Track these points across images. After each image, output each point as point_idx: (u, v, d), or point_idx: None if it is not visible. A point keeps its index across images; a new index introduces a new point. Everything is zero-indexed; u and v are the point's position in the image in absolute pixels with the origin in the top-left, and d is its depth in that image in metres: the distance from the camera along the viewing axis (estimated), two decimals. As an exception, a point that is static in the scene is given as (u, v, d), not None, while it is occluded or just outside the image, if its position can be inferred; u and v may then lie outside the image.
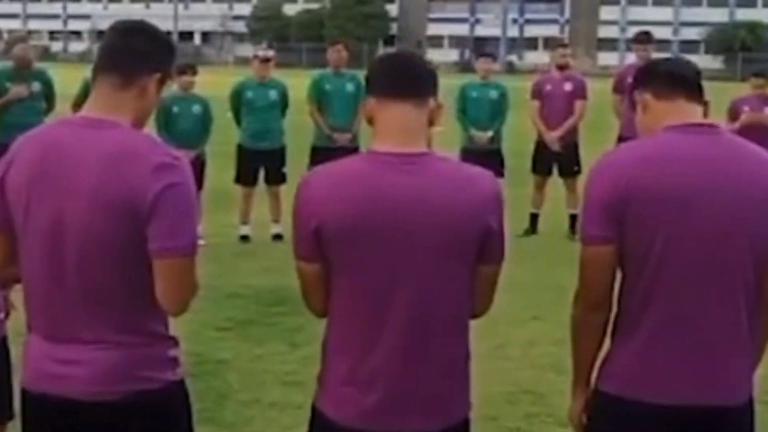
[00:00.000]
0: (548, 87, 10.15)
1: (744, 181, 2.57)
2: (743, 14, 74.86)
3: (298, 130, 10.88)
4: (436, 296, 2.44)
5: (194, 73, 9.26)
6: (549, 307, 7.02)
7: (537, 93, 10.19)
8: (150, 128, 2.76)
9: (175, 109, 9.08)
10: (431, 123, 2.54)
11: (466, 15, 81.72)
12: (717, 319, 2.58)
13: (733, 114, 9.61)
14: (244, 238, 9.39)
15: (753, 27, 72.79)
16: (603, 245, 2.59)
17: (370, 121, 2.54)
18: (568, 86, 10.07)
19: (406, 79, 2.51)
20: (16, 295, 2.85)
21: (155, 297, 2.50)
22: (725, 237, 2.55)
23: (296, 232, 2.51)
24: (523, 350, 6.30)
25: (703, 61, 69.78)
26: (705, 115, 2.72)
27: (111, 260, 2.46)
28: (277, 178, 9.62)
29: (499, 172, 10.31)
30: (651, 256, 2.56)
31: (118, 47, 2.56)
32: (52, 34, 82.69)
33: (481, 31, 79.09)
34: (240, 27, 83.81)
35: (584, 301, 2.67)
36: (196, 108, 9.23)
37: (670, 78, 2.71)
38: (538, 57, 62.38)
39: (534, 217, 10.13)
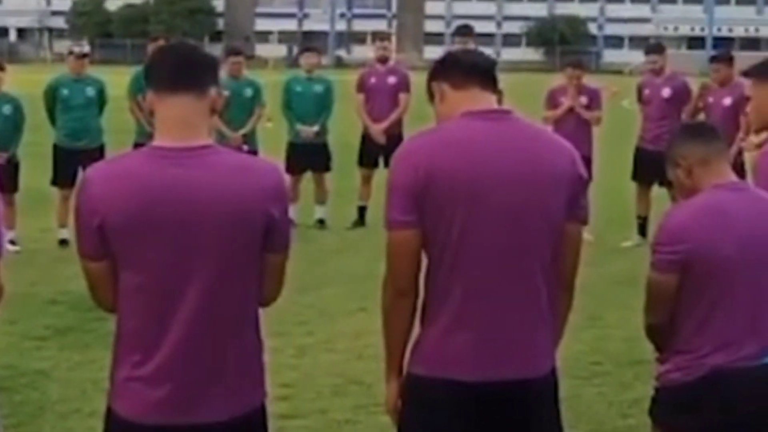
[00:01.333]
0: (372, 80, 10.23)
1: (538, 164, 2.67)
2: (562, 9, 77.89)
3: (120, 128, 10.57)
4: (225, 288, 2.44)
5: (1, 69, 8.81)
6: (376, 298, 7.05)
7: (361, 86, 10.25)
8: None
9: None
10: (213, 112, 2.53)
11: (294, 10, 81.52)
12: (517, 298, 2.67)
13: (550, 103, 9.96)
14: (63, 242, 9.02)
15: (571, 21, 75.86)
16: (406, 230, 2.65)
17: (152, 114, 2.52)
18: (392, 79, 10.17)
19: (184, 71, 2.48)
20: None
21: None
22: (521, 218, 2.65)
23: (79, 230, 2.48)
24: (351, 342, 6.32)
25: (524, 53, 72.47)
26: (499, 102, 2.82)
27: None
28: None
29: (326, 165, 10.36)
30: (451, 238, 2.63)
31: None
32: None
33: (309, 26, 79.07)
34: (60, 23, 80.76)
35: (392, 286, 2.72)
36: (6, 108, 8.79)
37: (465, 68, 2.79)
38: (366, 51, 62.99)
39: (362, 210, 10.19)
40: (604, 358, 6.04)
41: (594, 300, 7.33)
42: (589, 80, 10.28)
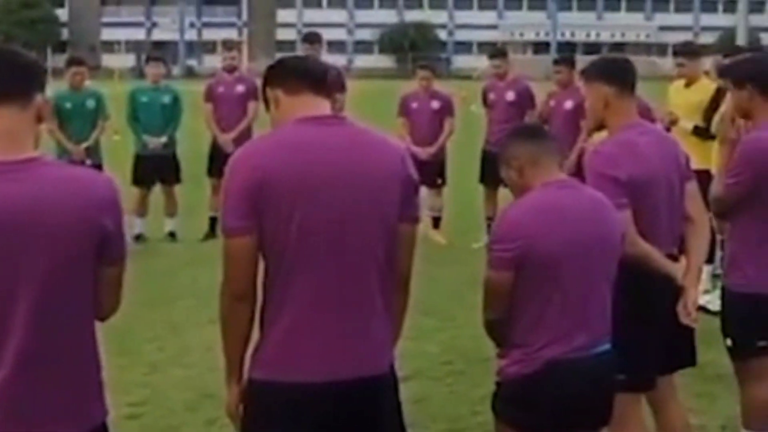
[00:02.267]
0: (220, 89, 10.11)
1: (370, 166, 2.72)
2: (412, 16, 79.10)
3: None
4: (60, 303, 2.35)
5: None
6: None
7: (209, 96, 10.11)
8: None
9: None
10: (40, 120, 2.44)
11: (142, 19, 79.94)
12: (354, 298, 2.71)
13: (403, 109, 10.06)
14: None
15: (421, 27, 77.14)
16: (243, 236, 2.65)
17: None
18: (240, 88, 10.06)
19: (6, 80, 2.37)
20: None
21: None
22: (355, 220, 2.69)
23: None
24: (203, 355, 6.21)
25: (377, 60, 73.26)
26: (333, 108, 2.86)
27: None
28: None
29: (176, 177, 10.16)
30: (288, 242, 2.65)
31: None
32: None
33: (158, 35, 77.68)
34: None
35: (229, 292, 2.71)
36: None
37: (298, 74, 2.82)
38: (217, 61, 62.20)
39: (213, 221, 10.03)
40: (455, 357, 6.14)
41: (447, 301, 7.46)
42: (441, 86, 10.46)
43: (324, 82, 2.83)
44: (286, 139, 2.72)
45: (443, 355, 6.22)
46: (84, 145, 9.45)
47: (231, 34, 70.61)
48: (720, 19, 73.91)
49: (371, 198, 2.71)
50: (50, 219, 2.31)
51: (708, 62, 8.43)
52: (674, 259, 3.80)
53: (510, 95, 9.66)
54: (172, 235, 10.03)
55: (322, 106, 2.79)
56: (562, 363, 3.12)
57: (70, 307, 2.38)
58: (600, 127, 3.89)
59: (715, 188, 4.11)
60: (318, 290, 2.67)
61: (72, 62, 9.92)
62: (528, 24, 78.82)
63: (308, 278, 2.66)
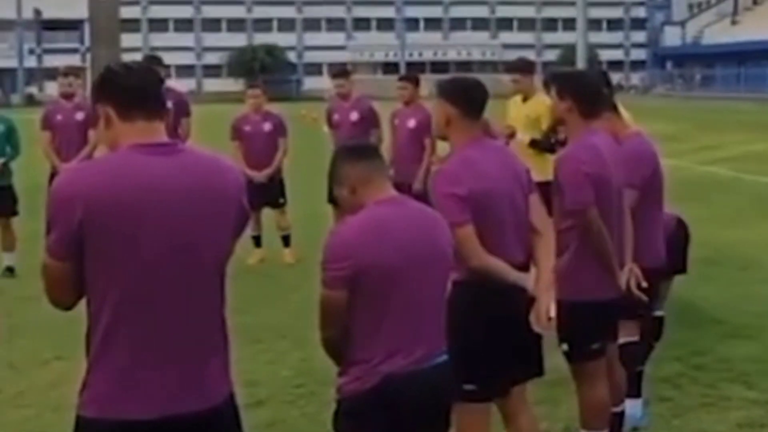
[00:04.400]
0: (59, 117, 9.78)
1: (202, 193, 2.66)
2: (261, 39, 78.87)
3: None
4: None
5: None
6: (73, 345, 6.71)
7: (46, 124, 9.77)
8: None
9: None
10: None
11: (-23, 46, 76.84)
12: (190, 330, 2.65)
13: (235, 133, 9.99)
14: None
15: (270, 50, 76.99)
16: (60, 262, 2.62)
17: None
18: (79, 115, 9.75)
19: None
20: None
21: None
22: (191, 251, 2.64)
23: None
24: (45, 394, 5.95)
25: (225, 84, 72.57)
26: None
27: None
28: None
29: (12, 210, 9.74)
30: (118, 276, 2.58)
31: None
32: None
33: (-4, 62, 74.84)
34: None
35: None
36: None
37: (131, 96, 2.71)
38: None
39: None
40: (307, 380, 6.09)
41: (300, 322, 7.40)
42: (292, 107, 10.43)
43: (158, 104, 2.74)
44: (117, 167, 2.62)
45: (296, 378, 6.17)
46: None
47: (74, 59, 68.60)
48: (561, 36, 76.71)
49: (207, 228, 2.67)
50: None
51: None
52: (526, 269, 3.88)
53: (354, 115, 9.73)
54: (9, 270, 9.60)
55: (156, 132, 2.70)
56: (400, 376, 3.13)
57: None
58: (442, 138, 4.00)
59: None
60: (152, 324, 2.60)
61: None
62: (377, 44, 79.81)
63: (142, 313, 2.59)
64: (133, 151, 2.64)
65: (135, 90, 2.71)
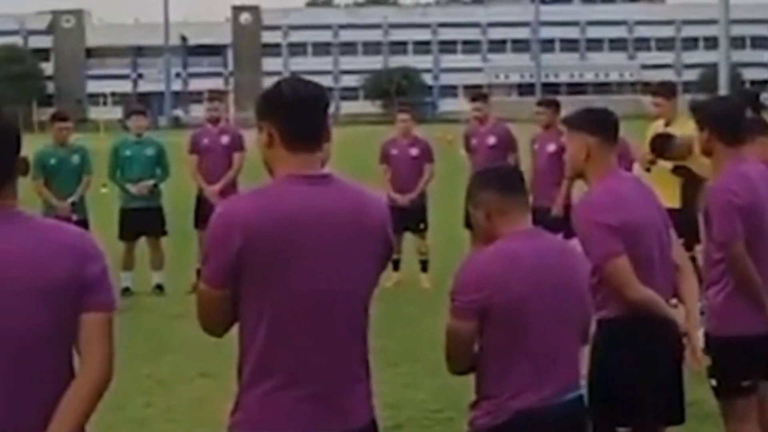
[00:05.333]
0: (205, 141, 10.13)
1: (352, 226, 2.71)
2: (396, 61, 79.72)
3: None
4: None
5: None
6: (218, 363, 6.92)
7: (194, 147, 10.13)
8: None
9: None
10: (24, 173, 2.53)
11: (127, 71, 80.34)
12: (337, 356, 2.71)
13: (383, 157, 10.12)
14: None
15: (406, 72, 77.72)
16: (218, 289, 2.67)
17: None
18: (224, 139, 10.10)
19: None
20: None
21: None
22: (338, 279, 2.69)
23: None
24: (192, 410, 6.16)
25: (362, 106, 73.70)
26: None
27: None
28: None
29: (161, 230, 10.15)
30: (273, 304, 2.65)
31: None
32: None
33: (144, 86, 78.05)
34: None
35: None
36: None
37: (295, 128, 2.74)
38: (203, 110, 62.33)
39: (200, 273, 10.01)
40: (444, 405, 6.10)
41: (436, 347, 7.42)
42: (429, 130, 10.52)
43: (323, 138, 2.79)
44: (276, 198, 2.69)
45: (433, 403, 6.18)
46: (69, 200, 9.45)
47: (217, 83, 70.99)
48: (702, 56, 74.67)
49: (355, 260, 2.71)
50: (30, 266, 2.44)
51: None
52: (673, 306, 3.80)
53: (491, 139, 9.73)
54: (159, 288, 9.99)
55: (314, 163, 2.76)
56: (532, 412, 3.10)
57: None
58: (578, 175, 3.92)
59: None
60: (302, 353, 2.66)
61: (56, 118, 9.97)
62: (512, 66, 79.50)
63: (292, 341, 2.66)
64: (291, 182, 2.70)
65: (303, 124, 2.73)
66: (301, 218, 2.65)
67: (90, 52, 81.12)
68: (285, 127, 2.72)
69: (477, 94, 10.55)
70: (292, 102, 2.74)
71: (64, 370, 2.49)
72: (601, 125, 3.84)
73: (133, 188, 9.92)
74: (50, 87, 77.61)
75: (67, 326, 2.46)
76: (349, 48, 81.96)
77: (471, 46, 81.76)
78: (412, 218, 9.90)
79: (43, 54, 79.39)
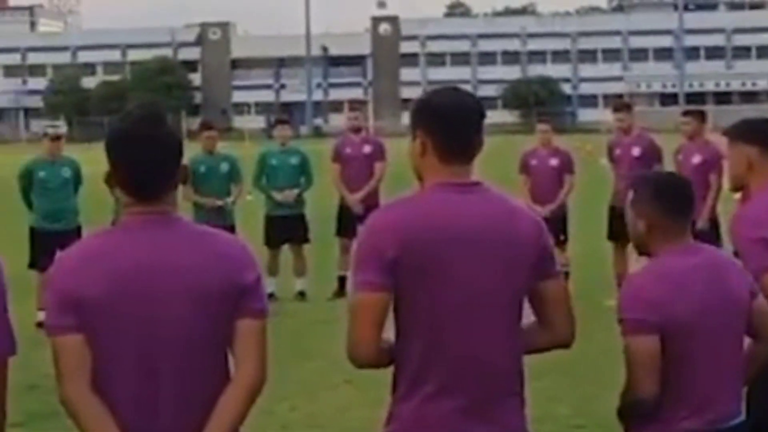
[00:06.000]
0: (348, 150, 10.30)
1: (507, 235, 2.71)
2: (535, 70, 79.00)
3: (97, 208, 10.55)
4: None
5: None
6: (362, 371, 7.03)
7: (337, 156, 10.32)
8: None
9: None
10: (184, 181, 2.63)
11: (270, 81, 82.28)
12: (492, 363, 2.69)
13: (522, 167, 10.06)
14: (41, 325, 8.95)
15: (545, 82, 76.93)
16: (374, 292, 2.63)
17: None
18: (367, 148, 10.26)
19: None
20: None
21: None
22: (489, 290, 2.68)
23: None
24: (336, 416, 6.26)
25: (501, 116, 73.24)
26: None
27: None
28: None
29: (304, 237, 10.36)
30: (425, 311, 2.65)
31: None
32: None
33: (286, 96, 79.78)
34: (36, 102, 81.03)
35: (354, 355, 2.69)
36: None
37: (450, 140, 2.75)
38: (342, 120, 63.27)
39: (342, 280, 10.18)
40: (587, 421, 6.01)
41: (579, 360, 7.32)
42: (568, 140, 10.42)
43: (477, 149, 2.79)
44: (430, 206, 2.70)
45: (575, 418, 6.10)
46: (227, 199, 9.75)
47: (357, 93, 71.99)
48: None
49: (506, 270, 2.69)
50: (191, 272, 2.54)
51: None
52: None
53: (636, 150, 9.53)
54: (301, 294, 10.20)
55: (467, 172, 2.76)
56: None
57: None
58: (740, 187, 3.81)
59: None
60: (459, 364, 2.66)
61: (204, 127, 10.33)
62: (655, 75, 77.63)
63: (448, 351, 2.66)
64: (442, 191, 2.71)
65: (457, 135, 2.73)
66: (453, 227, 2.66)
67: (235, 63, 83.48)
68: (439, 137, 2.72)
69: (621, 103, 10.37)
70: (447, 112, 2.74)
71: (222, 374, 2.56)
72: (761, 135, 3.72)
73: (278, 196, 10.16)
74: (198, 97, 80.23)
75: (223, 332, 2.53)
76: (487, 58, 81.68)
77: (611, 55, 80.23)
78: (552, 229, 9.74)
79: (191, 65, 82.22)
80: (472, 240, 2.66)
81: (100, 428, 2.46)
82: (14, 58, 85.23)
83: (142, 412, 2.49)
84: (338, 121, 68.31)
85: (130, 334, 2.46)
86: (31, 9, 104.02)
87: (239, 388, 2.54)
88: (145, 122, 2.55)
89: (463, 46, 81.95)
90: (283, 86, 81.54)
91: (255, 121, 73.83)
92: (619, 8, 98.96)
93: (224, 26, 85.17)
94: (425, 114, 2.77)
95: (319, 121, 73.55)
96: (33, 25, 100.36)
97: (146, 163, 2.52)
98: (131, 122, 2.57)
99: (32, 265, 9.31)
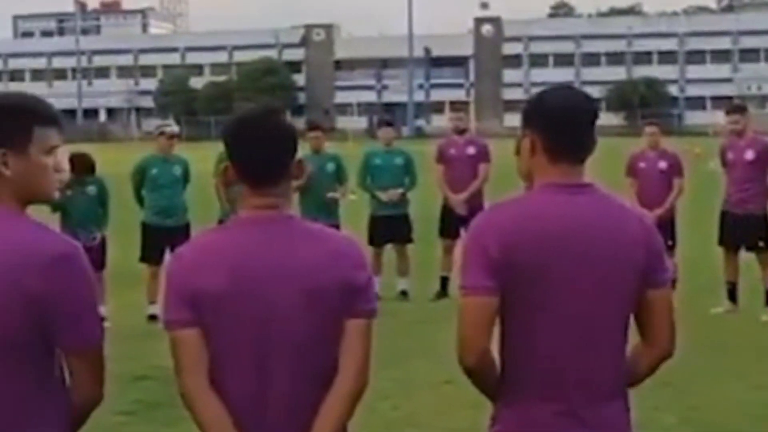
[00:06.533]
0: (452, 151, 10.29)
1: (616, 239, 2.67)
2: (640, 72, 77.56)
3: (203, 205, 10.80)
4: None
5: (92, 169, 9.16)
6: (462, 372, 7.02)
7: (441, 157, 10.32)
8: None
9: (69, 191, 8.97)
10: (296, 177, 2.63)
11: (372, 82, 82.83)
12: (596, 369, 2.66)
13: (630, 169, 9.88)
14: (153, 318, 9.20)
15: (650, 83, 75.47)
16: (482, 296, 2.60)
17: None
18: (471, 150, 10.22)
19: None
20: None
21: (58, 401, 2.45)
22: (598, 291, 2.64)
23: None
24: (438, 416, 6.26)
25: (605, 118, 72.03)
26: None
27: (12, 365, 2.38)
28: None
29: (408, 237, 10.39)
30: (531, 314, 2.63)
31: None
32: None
33: (388, 97, 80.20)
34: (147, 102, 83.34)
35: (465, 356, 2.65)
36: (91, 188, 9.12)
37: (562, 142, 2.70)
38: (444, 120, 63.34)
39: (444, 280, 10.18)
40: (694, 429, 5.87)
41: (685, 368, 7.16)
42: (674, 143, 10.19)
43: (585, 151, 2.72)
44: (534, 209, 2.67)
45: (681, 426, 5.97)
46: (335, 193, 9.88)
47: (458, 94, 71.76)
48: None
49: (617, 272, 2.65)
50: (304, 271, 2.54)
51: None
52: None
53: (749, 154, 9.25)
54: (404, 293, 10.23)
55: (577, 174, 2.72)
56: None
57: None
58: None
59: None
60: (561, 368, 2.63)
61: (311, 127, 10.45)
62: (766, 77, 75.32)
63: (553, 355, 2.63)
64: (550, 192, 2.67)
65: (568, 135, 2.68)
66: (561, 229, 2.62)
67: (338, 64, 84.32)
68: (549, 137, 2.68)
69: (735, 106, 10.07)
70: (558, 111, 2.69)
71: (331, 374, 2.55)
72: None
73: (383, 195, 10.22)
74: (301, 97, 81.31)
75: (333, 331, 2.53)
76: (591, 59, 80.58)
77: (720, 56, 78.22)
78: (660, 234, 9.57)
79: (295, 66, 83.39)
80: (581, 243, 2.62)
81: (216, 423, 2.49)
82: (127, 59, 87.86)
83: (254, 409, 2.51)
84: (440, 122, 68.41)
85: (244, 330, 2.49)
86: (143, 12, 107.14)
87: (344, 388, 2.54)
88: (266, 112, 2.61)
89: (566, 47, 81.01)
90: (385, 87, 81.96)
91: (357, 122, 74.41)
92: (729, 8, 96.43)
93: (328, 28, 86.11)
94: (536, 112, 2.74)
95: (420, 122, 73.67)
96: (145, 27, 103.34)
97: (266, 148, 2.54)
98: (253, 110, 2.62)
99: (143, 259, 9.59)
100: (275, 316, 2.49)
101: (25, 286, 2.33)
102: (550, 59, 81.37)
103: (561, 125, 2.68)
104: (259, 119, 2.58)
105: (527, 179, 2.78)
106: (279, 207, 2.56)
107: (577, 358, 2.63)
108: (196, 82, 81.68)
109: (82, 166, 9.05)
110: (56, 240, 2.43)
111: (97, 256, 8.89)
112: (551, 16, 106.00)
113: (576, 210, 2.66)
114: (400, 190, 10.26)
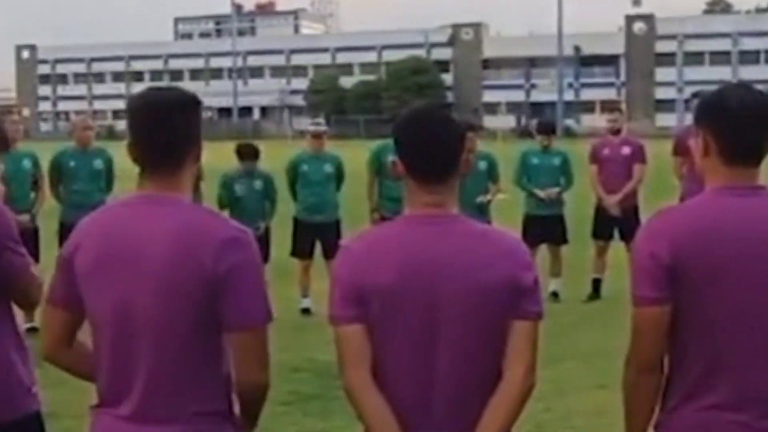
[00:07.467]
0: (606, 151, 10.10)
1: None
2: (745, 73, 74.22)
3: (355, 202, 10.93)
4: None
5: (256, 155, 9.48)
6: (615, 375, 6.87)
7: (595, 157, 10.14)
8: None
9: (237, 187, 9.31)
10: (464, 174, 2.64)
11: (521, 81, 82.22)
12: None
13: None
14: (306, 311, 9.39)
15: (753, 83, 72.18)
16: (654, 306, 2.55)
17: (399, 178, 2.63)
18: (626, 150, 10.01)
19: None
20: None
21: (221, 376, 2.56)
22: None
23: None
24: (590, 419, 6.16)
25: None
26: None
27: (182, 340, 2.50)
28: (333, 251, 9.60)
29: (563, 238, 10.25)
30: (701, 322, 2.55)
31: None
32: (116, 114, 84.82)
33: (537, 96, 79.46)
34: (298, 100, 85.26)
35: (635, 363, 2.62)
36: (258, 183, 9.41)
37: (736, 144, 2.62)
38: (595, 120, 62.36)
39: (596, 282, 9.99)
40: None
41: None
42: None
43: (760, 154, 2.62)
44: (704, 212, 2.59)
45: None
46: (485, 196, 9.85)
47: (609, 94, 70.44)
48: None
49: None
50: (470, 273, 2.54)
51: None
52: None
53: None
54: (555, 294, 10.10)
55: (753, 176, 2.63)
56: None
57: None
58: None
59: None
60: (737, 377, 2.55)
61: (467, 128, 10.43)
62: None
63: (727, 362, 2.55)
64: (720, 195, 2.59)
65: (745, 137, 2.59)
66: (735, 233, 2.53)
67: (486, 63, 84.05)
68: (724, 138, 2.59)
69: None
70: (736, 112, 2.58)
71: (496, 374, 2.54)
72: None
73: (540, 193, 10.12)
74: (449, 96, 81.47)
75: (499, 331, 2.52)
76: (749, 56, 77.61)
77: None
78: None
79: (443, 65, 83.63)
80: (756, 248, 2.53)
81: (380, 419, 2.51)
82: (279, 60, 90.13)
83: (419, 405, 2.52)
84: (590, 121, 67.39)
85: (410, 326, 2.50)
86: (295, 13, 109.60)
87: (512, 390, 2.53)
88: (437, 108, 2.64)
89: (723, 44, 78.32)
90: (533, 86, 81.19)
91: (505, 121, 73.99)
92: None
93: (476, 27, 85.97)
94: (709, 111, 2.64)
95: (570, 121, 72.62)
96: (297, 28, 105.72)
97: (437, 146, 2.55)
98: (424, 107, 2.64)
99: (294, 253, 9.80)
100: (442, 313, 2.49)
101: (202, 264, 2.46)
102: (706, 57, 78.78)
103: (739, 126, 2.58)
104: (431, 116, 2.59)
105: (698, 180, 2.70)
106: (445, 204, 2.57)
107: (755, 370, 2.54)
108: (346, 82, 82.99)
109: (249, 153, 9.42)
110: (229, 225, 2.57)
111: (262, 249, 9.14)
112: (707, 12, 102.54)
113: (750, 214, 2.57)
114: (557, 189, 10.14)
